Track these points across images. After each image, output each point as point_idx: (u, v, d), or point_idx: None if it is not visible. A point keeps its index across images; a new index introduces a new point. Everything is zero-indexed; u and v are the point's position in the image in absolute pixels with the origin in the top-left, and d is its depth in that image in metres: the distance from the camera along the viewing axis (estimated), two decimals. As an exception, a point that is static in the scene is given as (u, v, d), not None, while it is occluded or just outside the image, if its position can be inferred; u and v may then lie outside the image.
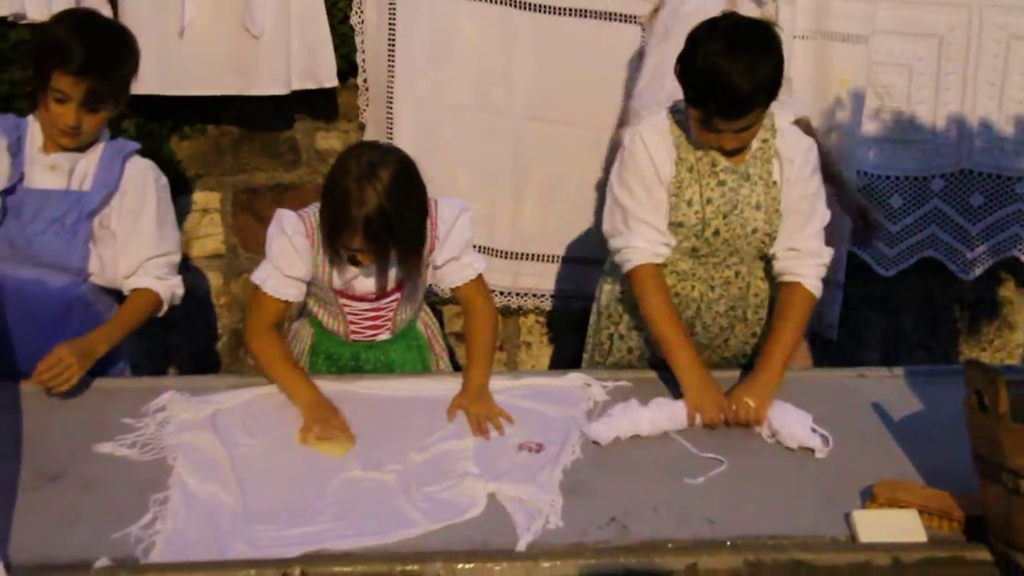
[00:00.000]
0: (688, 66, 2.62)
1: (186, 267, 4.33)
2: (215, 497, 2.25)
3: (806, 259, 2.84)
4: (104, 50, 2.65)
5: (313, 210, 2.70)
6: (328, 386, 2.70)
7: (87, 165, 2.76)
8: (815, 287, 2.85)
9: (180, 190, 4.25)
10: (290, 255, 2.68)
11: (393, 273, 2.72)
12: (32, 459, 2.39)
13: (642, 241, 2.82)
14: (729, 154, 2.77)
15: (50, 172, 2.73)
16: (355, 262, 2.66)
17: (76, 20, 2.73)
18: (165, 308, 2.91)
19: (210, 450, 2.44)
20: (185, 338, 4.46)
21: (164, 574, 2.01)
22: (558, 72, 4.07)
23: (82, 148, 2.75)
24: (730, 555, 2.11)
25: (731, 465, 2.44)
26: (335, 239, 2.56)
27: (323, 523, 2.18)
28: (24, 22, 3.75)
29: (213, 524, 2.17)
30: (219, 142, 4.25)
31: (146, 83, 3.79)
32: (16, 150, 2.72)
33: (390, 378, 2.86)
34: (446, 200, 2.78)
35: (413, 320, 2.98)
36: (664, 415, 2.58)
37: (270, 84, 3.92)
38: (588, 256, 4.18)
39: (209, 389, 2.70)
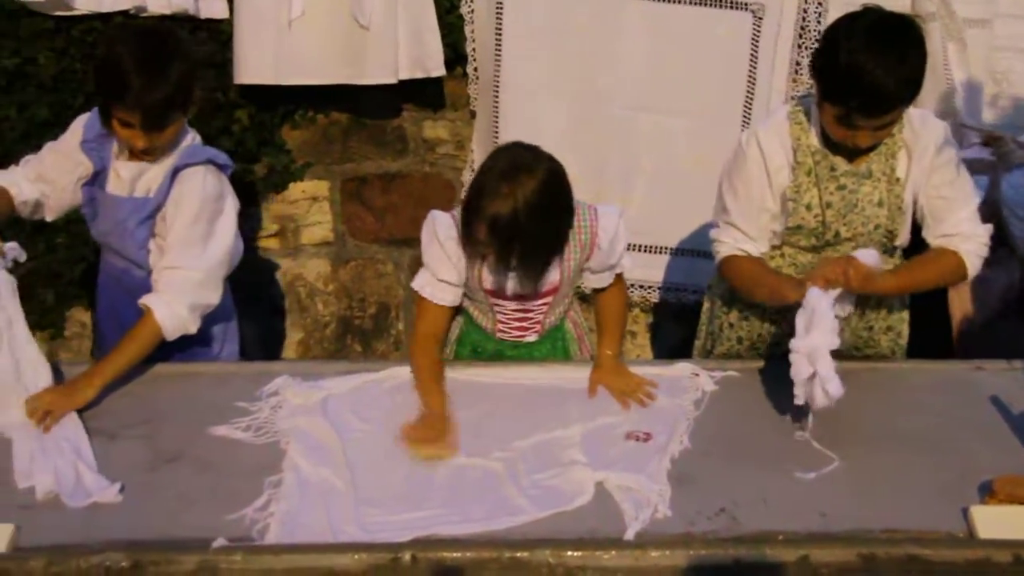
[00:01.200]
0: (829, 63, 2.54)
1: (293, 254, 4.41)
2: (327, 481, 2.29)
3: (962, 242, 2.74)
4: (157, 78, 2.55)
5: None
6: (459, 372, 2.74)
7: (154, 174, 2.76)
8: (972, 265, 2.75)
9: (289, 178, 4.32)
10: (442, 260, 2.66)
11: (548, 276, 2.70)
12: (151, 441, 2.46)
13: (728, 238, 2.85)
14: (860, 153, 2.70)
15: (116, 178, 2.79)
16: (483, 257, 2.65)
17: (130, 48, 2.57)
18: (171, 336, 2.68)
19: (322, 435, 2.47)
20: (294, 324, 4.54)
21: (279, 555, 2.04)
22: (668, 61, 4.02)
23: (167, 152, 2.75)
24: (843, 548, 2.07)
25: (844, 459, 2.39)
26: (466, 229, 2.54)
27: (432, 509, 2.20)
28: (144, 15, 3.84)
29: (326, 508, 2.20)
30: (328, 131, 4.30)
31: (260, 73, 3.88)
32: (97, 147, 2.77)
33: (511, 366, 2.85)
34: (604, 209, 2.71)
35: (561, 319, 2.96)
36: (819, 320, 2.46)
37: (379, 73, 3.95)
38: (700, 248, 4.15)
39: (320, 374, 2.73)
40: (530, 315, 2.84)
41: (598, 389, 2.68)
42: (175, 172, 2.72)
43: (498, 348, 2.89)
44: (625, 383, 2.68)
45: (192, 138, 2.82)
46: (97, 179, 2.80)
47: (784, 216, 2.78)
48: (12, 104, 3.94)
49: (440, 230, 2.65)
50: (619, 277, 2.82)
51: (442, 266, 2.67)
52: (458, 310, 2.87)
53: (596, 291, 2.85)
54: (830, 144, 2.71)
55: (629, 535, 2.12)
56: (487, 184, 2.46)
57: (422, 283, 2.71)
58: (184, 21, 3.91)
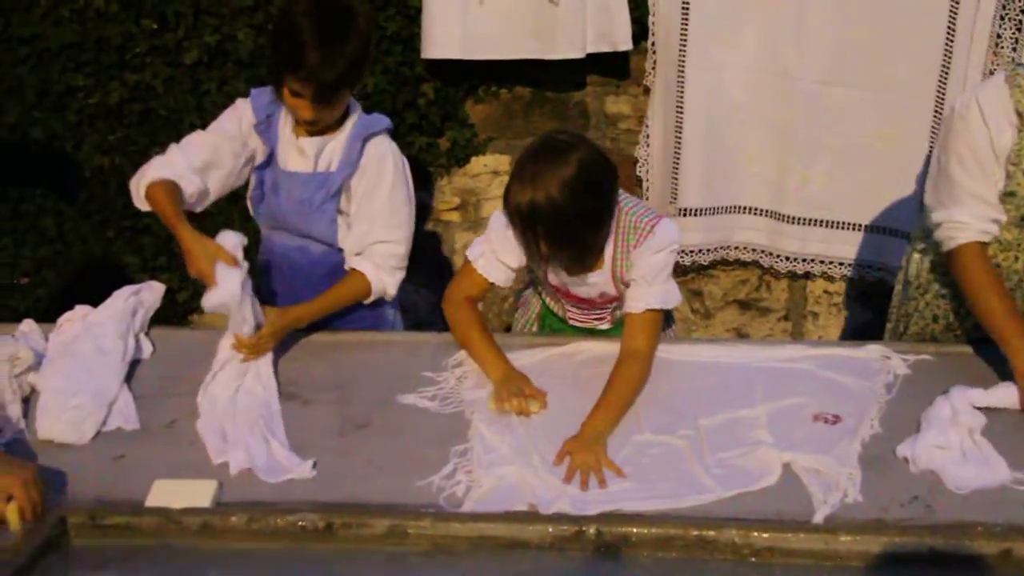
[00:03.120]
0: None
1: (474, 227, 4.46)
2: (512, 453, 2.30)
3: None
4: (333, 55, 2.56)
5: None
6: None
7: (334, 147, 2.78)
8: None
9: (472, 152, 4.38)
10: (506, 241, 2.65)
11: (600, 280, 2.69)
12: (342, 407, 2.52)
13: (969, 216, 2.61)
14: None
15: (299, 155, 2.79)
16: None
17: (310, 19, 2.56)
18: (372, 299, 2.86)
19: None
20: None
21: (465, 523, 2.08)
22: (856, 34, 3.90)
23: (330, 128, 2.77)
24: (1050, 543, 1.98)
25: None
26: (524, 236, 2.52)
27: (617, 484, 2.20)
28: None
29: (510, 479, 2.22)
30: (510, 105, 4.33)
31: (447, 48, 3.93)
32: (266, 128, 2.79)
33: (696, 344, 2.84)
34: (666, 222, 2.62)
35: None
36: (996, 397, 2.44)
37: (567, 48, 3.96)
38: (890, 226, 4.03)
39: (502, 346, 2.73)
40: (600, 314, 2.84)
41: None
42: (362, 142, 2.75)
43: (574, 332, 2.88)
44: (595, 461, 2.26)
45: (359, 109, 2.83)
46: (271, 160, 2.83)
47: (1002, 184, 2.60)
48: (213, 79, 4.10)
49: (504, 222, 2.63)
50: (648, 336, 2.60)
51: (506, 247, 2.67)
52: (531, 283, 2.93)
53: (628, 317, 2.65)
54: None
55: (818, 518, 2.07)
56: (513, 172, 2.48)
57: (478, 254, 2.71)
58: (375, -4, 4.00)
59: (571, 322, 2.91)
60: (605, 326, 2.88)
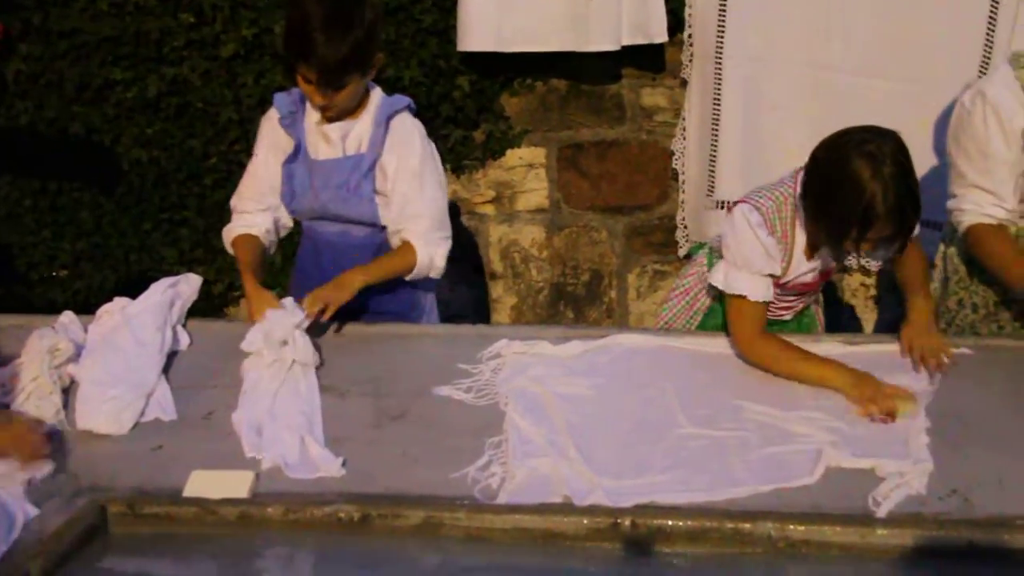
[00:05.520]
0: None
1: (509, 220, 4.47)
2: (547, 444, 2.29)
3: None
4: (336, 39, 2.59)
5: (769, 203, 2.59)
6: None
7: (360, 130, 2.83)
8: None
9: (507, 145, 4.38)
10: (765, 256, 2.59)
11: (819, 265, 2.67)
12: (378, 399, 2.53)
13: (970, 204, 2.74)
14: None
15: (326, 143, 2.84)
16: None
17: (316, 7, 2.61)
18: (418, 273, 2.88)
19: (542, 398, 2.48)
20: (508, 290, 4.60)
21: (500, 515, 2.08)
22: (897, 27, 3.86)
23: (351, 112, 2.80)
24: (1089, 537, 1.96)
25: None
26: (858, 234, 2.40)
27: (654, 475, 2.19)
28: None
29: (545, 471, 2.21)
30: (546, 98, 4.33)
31: (483, 41, 3.93)
32: (291, 122, 2.85)
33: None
34: None
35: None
36: None
37: (602, 40, 3.95)
38: (929, 219, 3.97)
39: (538, 338, 2.75)
40: (794, 304, 2.81)
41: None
42: (386, 122, 2.80)
43: None
44: (934, 344, 2.57)
45: (379, 91, 2.87)
46: (298, 154, 2.87)
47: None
48: (250, 72, 4.12)
49: (755, 223, 2.57)
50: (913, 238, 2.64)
51: (766, 263, 2.59)
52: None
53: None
54: None
55: (882, 512, 2.05)
56: (870, 189, 2.34)
57: (749, 288, 2.58)
58: (410, -11, 4.01)
59: None
60: (789, 316, 2.86)
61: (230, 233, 3.01)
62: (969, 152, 2.73)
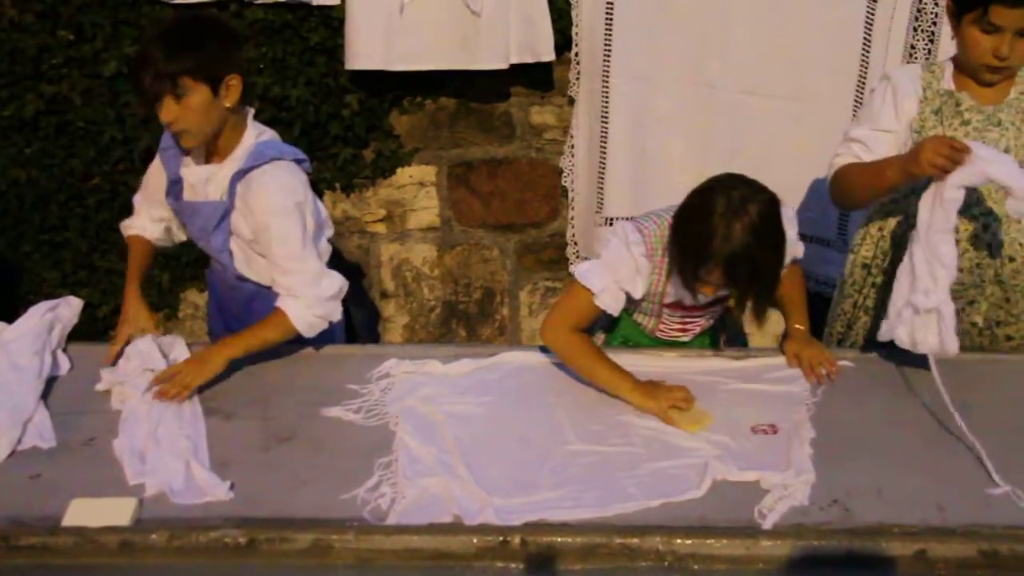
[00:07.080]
0: None
1: (400, 238, 4.45)
2: (437, 464, 2.29)
3: None
4: (160, 42, 2.52)
5: (653, 226, 2.61)
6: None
7: (223, 176, 2.71)
8: None
9: (397, 163, 4.36)
10: (631, 272, 2.59)
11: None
12: (265, 421, 2.50)
13: (845, 150, 2.87)
14: (998, 70, 2.66)
15: (190, 186, 2.78)
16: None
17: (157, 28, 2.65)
18: (306, 335, 2.71)
19: (431, 417, 2.48)
20: (400, 308, 4.58)
21: (390, 535, 2.06)
22: (778, 45, 3.95)
23: (206, 138, 2.67)
24: (962, 543, 2.02)
25: (962, 454, 2.33)
26: (693, 270, 2.44)
27: (543, 492, 2.19)
28: (259, 1, 3.91)
29: (434, 490, 2.21)
30: (435, 116, 4.33)
31: (371, 59, 3.92)
32: (172, 155, 2.77)
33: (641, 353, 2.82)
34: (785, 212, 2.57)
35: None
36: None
37: (490, 59, 3.96)
38: (808, 233, 4.08)
39: (428, 357, 2.74)
40: (696, 319, 2.82)
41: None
42: (245, 173, 2.66)
43: (651, 343, 2.87)
44: (818, 354, 2.70)
45: (256, 135, 2.73)
46: (173, 189, 2.80)
47: (907, 149, 2.73)
48: (132, 91, 4.03)
49: (633, 241, 2.58)
50: (794, 261, 2.76)
51: (634, 279, 2.60)
52: None
53: None
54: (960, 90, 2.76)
55: (767, 524, 2.08)
56: (714, 226, 2.34)
57: (601, 287, 2.59)
58: (297, 8, 3.97)
59: (658, 334, 2.84)
60: (687, 337, 2.86)
61: (127, 229, 3.03)
62: (860, 120, 2.89)
